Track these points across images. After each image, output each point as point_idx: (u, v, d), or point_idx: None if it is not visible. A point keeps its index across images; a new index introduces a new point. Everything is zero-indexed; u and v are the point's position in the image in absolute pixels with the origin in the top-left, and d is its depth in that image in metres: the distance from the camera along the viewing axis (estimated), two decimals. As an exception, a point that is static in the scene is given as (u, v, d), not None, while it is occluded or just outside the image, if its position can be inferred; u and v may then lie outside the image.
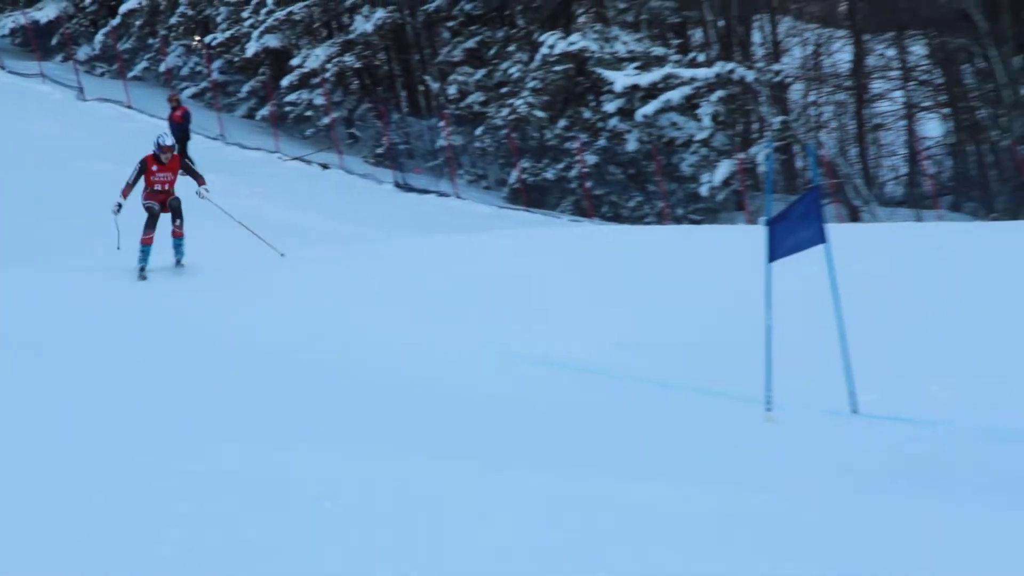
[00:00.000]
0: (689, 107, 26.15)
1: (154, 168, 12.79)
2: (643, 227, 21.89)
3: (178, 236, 12.99)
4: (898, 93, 32.30)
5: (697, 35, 30.20)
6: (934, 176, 30.16)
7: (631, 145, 25.87)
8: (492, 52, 28.89)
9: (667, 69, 26.36)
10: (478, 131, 27.74)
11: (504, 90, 27.83)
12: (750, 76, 27.46)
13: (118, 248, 12.74)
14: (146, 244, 12.72)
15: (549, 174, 26.64)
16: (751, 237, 9.03)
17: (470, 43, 29.11)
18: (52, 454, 5.12)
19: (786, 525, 4.76)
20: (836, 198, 24.82)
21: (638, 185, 26.10)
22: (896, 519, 4.99)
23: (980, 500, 5.45)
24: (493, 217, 24.16)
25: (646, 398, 8.76)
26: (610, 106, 26.16)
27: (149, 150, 13.19)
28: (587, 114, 26.77)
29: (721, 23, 30.31)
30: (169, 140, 13.26)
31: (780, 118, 28.58)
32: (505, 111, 27.14)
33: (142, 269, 12.81)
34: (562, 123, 27.03)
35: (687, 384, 8.78)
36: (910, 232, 16.25)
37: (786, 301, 7.94)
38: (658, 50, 27.46)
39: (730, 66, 27.17)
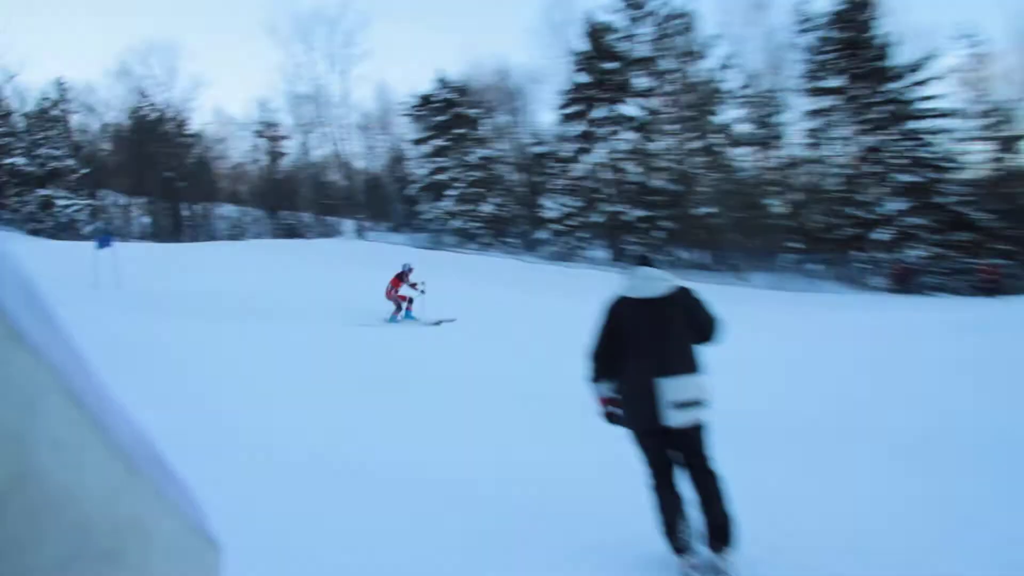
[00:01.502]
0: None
1: (400, 282, 13.04)
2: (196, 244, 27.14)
3: (409, 309, 12.91)
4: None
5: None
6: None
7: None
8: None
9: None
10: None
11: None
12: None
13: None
14: (395, 316, 12.77)
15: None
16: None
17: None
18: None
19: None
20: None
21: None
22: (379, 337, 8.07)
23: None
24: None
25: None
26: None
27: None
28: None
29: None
30: (412, 266, 13.49)
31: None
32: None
33: (393, 320, 12.77)
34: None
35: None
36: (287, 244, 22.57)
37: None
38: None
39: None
